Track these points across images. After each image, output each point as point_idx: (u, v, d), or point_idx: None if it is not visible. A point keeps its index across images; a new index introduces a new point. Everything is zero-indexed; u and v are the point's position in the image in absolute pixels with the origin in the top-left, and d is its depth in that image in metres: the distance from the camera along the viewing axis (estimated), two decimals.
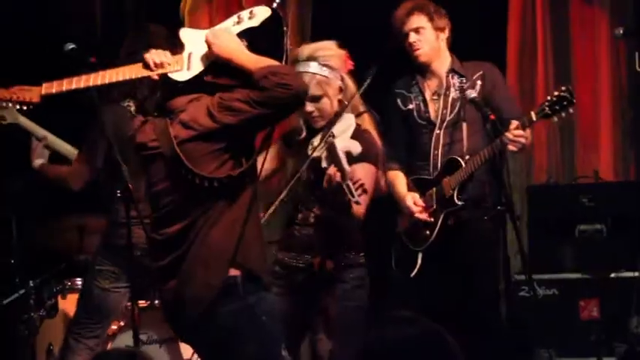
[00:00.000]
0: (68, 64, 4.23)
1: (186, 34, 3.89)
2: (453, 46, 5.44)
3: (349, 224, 4.52)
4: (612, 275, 6.07)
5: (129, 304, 5.12)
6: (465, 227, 5.24)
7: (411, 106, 5.38)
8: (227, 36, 3.83)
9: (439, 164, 5.27)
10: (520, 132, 5.01)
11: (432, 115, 5.33)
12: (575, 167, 6.91)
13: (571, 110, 5.13)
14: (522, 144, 5.03)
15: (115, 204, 5.08)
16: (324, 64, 4.57)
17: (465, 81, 5.32)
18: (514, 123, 5.04)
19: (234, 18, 3.88)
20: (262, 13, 3.86)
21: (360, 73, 5.29)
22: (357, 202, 4.16)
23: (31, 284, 5.87)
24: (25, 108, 4.14)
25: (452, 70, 5.36)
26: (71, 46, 4.38)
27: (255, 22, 3.85)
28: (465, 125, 5.24)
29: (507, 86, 5.47)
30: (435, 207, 5.25)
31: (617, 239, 6.18)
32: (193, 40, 3.86)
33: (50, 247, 6.32)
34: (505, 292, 5.43)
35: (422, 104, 5.36)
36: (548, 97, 5.15)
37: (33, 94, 3.78)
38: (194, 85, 3.83)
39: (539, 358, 5.90)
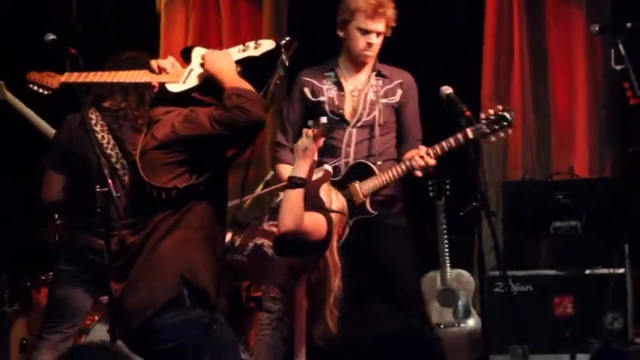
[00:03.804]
0: (49, 54, 4.31)
1: (197, 52, 3.94)
2: (431, 43, 5.41)
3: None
4: (587, 272, 6.09)
5: (104, 298, 5.10)
6: (376, 225, 5.18)
7: (322, 98, 5.25)
8: (222, 56, 3.89)
9: (350, 162, 5.19)
10: (430, 161, 5.02)
11: (348, 111, 5.24)
12: (550, 163, 6.92)
13: (510, 131, 5.13)
14: (428, 170, 5.07)
15: (76, 208, 5.07)
16: None
17: (382, 84, 5.25)
18: (423, 149, 5.06)
19: (241, 45, 3.97)
20: (267, 45, 3.96)
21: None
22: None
23: (5, 278, 5.84)
24: (45, 93, 4.29)
25: (378, 72, 5.28)
26: (51, 36, 4.41)
27: (258, 52, 3.94)
28: (378, 127, 5.19)
29: (418, 106, 5.36)
30: None
31: (593, 236, 6.18)
32: (199, 58, 3.92)
33: (24, 241, 6.28)
34: (480, 289, 5.43)
35: (336, 99, 5.24)
36: (483, 116, 5.11)
37: (54, 81, 3.98)
38: (180, 98, 3.87)
39: (513, 354, 5.91)
